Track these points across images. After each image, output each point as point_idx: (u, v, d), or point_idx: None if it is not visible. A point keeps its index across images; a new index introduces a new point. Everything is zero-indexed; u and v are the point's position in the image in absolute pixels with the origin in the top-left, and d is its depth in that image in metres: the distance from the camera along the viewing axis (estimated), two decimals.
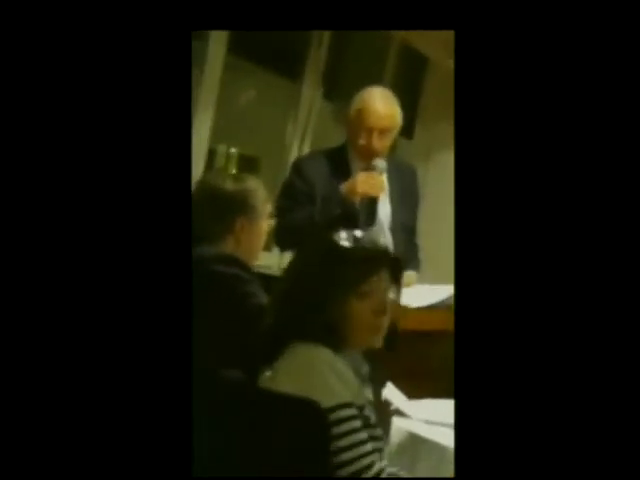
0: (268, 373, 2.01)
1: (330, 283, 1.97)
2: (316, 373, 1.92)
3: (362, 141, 3.20)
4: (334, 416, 1.89)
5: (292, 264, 2.11)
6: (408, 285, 3.14)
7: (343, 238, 2.03)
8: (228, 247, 2.41)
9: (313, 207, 3.15)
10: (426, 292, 3.12)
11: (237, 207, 2.44)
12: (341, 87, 4.84)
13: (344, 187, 3.14)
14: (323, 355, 1.94)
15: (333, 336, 1.98)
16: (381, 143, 3.21)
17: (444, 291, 3.07)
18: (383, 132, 3.20)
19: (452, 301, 3.05)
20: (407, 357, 2.96)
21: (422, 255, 3.55)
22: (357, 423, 1.92)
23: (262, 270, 2.62)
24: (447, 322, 3.16)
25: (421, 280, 3.39)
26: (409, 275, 3.24)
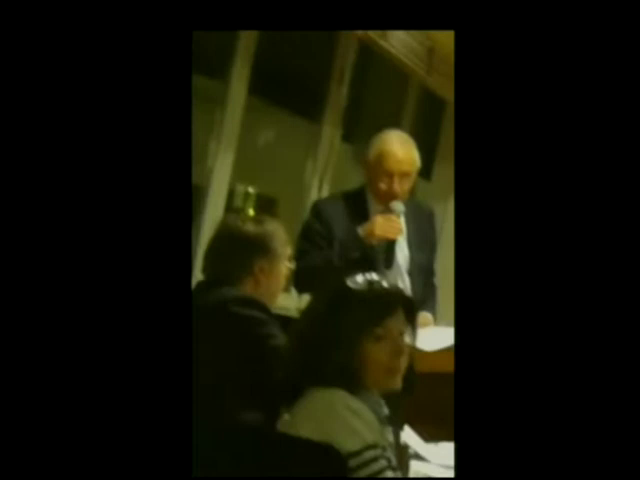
0: (287, 417, 2.01)
1: (345, 326, 1.97)
2: (336, 416, 1.91)
3: (382, 185, 3.21)
4: (361, 459, 1.88)
5: (308, 307, 2.12)
6: (424, 326, 3.15)
7: (359, 282, 2.03)
8: (247, 289, 2.41)
9: (331, 250, 3.15)
10: (442, 333, 3.11)
11: (256, 249, 2.44)
12: (360, 129, 4.87)
13: (362, 230, 3.15)
14: (341, 398, 1.94)
15: (350, 379, 1.98)
16: (401, 187, 3.22)
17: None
18: (403, 176, 3.21)
19: None
20: (424, 400, 2.94)
21: (440, 296, 3.55)
22: (384, 463, 1.91)
23: (280, 312, 2.63)
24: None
25: (439, 321, 3.39)
26: (425, 316, 3.24)
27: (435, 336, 3.04)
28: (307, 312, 2.09)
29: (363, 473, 1.88)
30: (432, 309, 3.37)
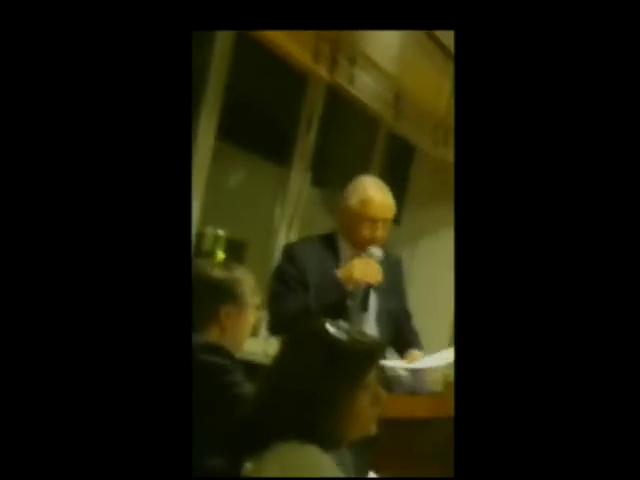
0: (250, 466, 1.98)
1: (331, 378, 1.94)
2: (305, 473, 1.89)
3: (365, 231, 3.23)
4: None
5: (282, 355, 2.07)
6: (416, 359, 3.19)
7: (337, 330, 2.01)
8: (213, 335, 2.41)
9: (307, 294, 3.16)
10: (437, 357, 3.21)
11: (223, 295, 2.44)
12: (329, 174, 4.89)
13: (340, 273, 3.16)
14: (310, 455, 1.90)
15: (326, 434, 1.95)
16: (382, 233, 3.25)
17: (441, 356, 3.14)
18: (385, 222, 3.25)
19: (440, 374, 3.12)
20: (389, 444, 2.94)
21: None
22: None
23: (246, 357, 2.62)
24: (430, 409, 3.18)
25: None
26: (416, 354, 3.28)
27: (432, 359, 3.09)
28: (281, 360, 2.05)
29: None
30: (419, 347, 3.40)
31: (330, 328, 1.99)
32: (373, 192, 3.26)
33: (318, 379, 1.93)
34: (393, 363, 3.17)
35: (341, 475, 1.93)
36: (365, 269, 3.16)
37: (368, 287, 3.20)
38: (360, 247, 3.24)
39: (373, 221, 3.23)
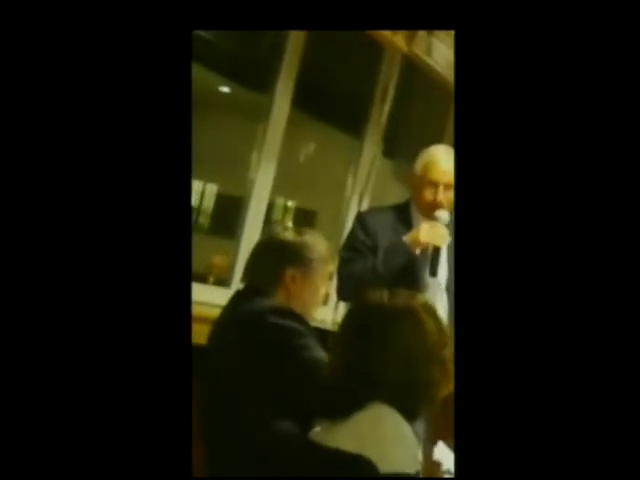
0: (319, 428, 2.00)
1: (423, 340, 1.98)
2: (386, 439, 1.90)
3: (428, 195, 3.24)
4: None
5: (348, 322, 2.09)
6: None
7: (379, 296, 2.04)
8: (279, 299, 2.40)
9: (374, 259, 3.17)
10: None
11: (288, 258, 2.43)
12: (401, 146, 4.87)
13: (407, 237, 3.17)
14: (399, 423, 1.92)
15: (409, 398, 1.97)
16: (446, 197, 3.24)
17: None
18: (447, 187, 3.24)
19: None
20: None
21: None
22: None
23: (316, 324, 2.63)
24: None
25: None
26: None
27: None
28: (348, 327, 2.07)
29: None
30: None
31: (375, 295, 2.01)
32: (436, 157, 3.25)
33: (382, 344, 1.96)
34: None
35: (415, 442, 1.94)
36: (431, 232, 3.15)
37: (436, 252, 3.19)
38: (428, 213, 3.24)
39: (435, 185, 3.22)
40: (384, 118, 4.55)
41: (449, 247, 3.29)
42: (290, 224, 4.32)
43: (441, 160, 3.25)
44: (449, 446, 2.67)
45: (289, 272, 2.42)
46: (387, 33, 3.56)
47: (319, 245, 2.49)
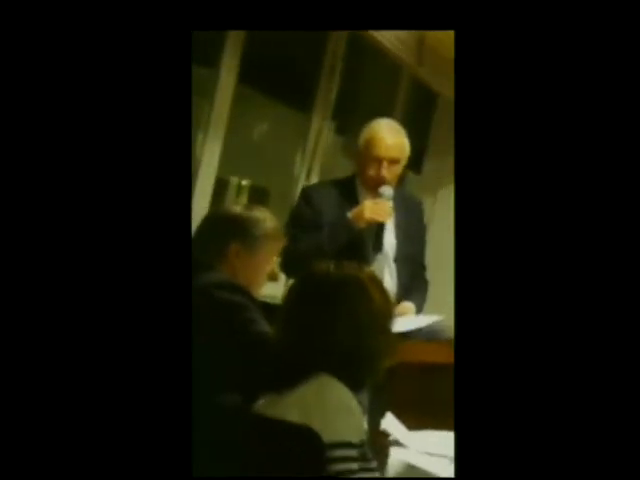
0: (263, 401, 2.01)
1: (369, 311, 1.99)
2: (330, 409, 1.91)
3: (371, 171, 3.24)
4: (333, 453, 1.87)
5: (292, 296, 2.09)
6: (403, 314, 3.18)
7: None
8: (224, 274, 2.39)
9: (320, 234, 3.17)
10: (416, 320, 3.16)
11: (232, 232, 2.42)
12: (351, 121, 4.87)
13: (351, 214, 3.18)
14: (343, 393, 1.93)
15: (358, 371, 1.98)
16: (389, 173, 3.25)
17: (424, 319, 3.12)
18: (391, 162, 3.25)
19: (437, 332, 3.10)
20: (408, 389, 2.96)
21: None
22: (354, 465, 1.89)
23: (265, 300, 2.62)
24: (449, 355, 3.19)
25: (425, 313, 3.40)
26: (405, 305, 3.27)
27: (407, 321, 3.08)
28: (292, 301, 2.07)
29: (332, 469, 1.87)
30: (419, 302, 3.39)
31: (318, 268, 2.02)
32: (379, 132, 3.26)
33: (327, 315, 1.97)
34: None
35: (360, 412, 1.95)
36: (375, 208, 3.17)
37: (381, 227, 3.20)
38: (372, 188, 3.24)
39: (378, 160, 3.23)
40: (332, 94, 4.55)
41: (395, 220, 3.31)
42: (244, 202, 4.31)
43: (384, 135, 3.25)
44: (398, 418, 2.69)
45: (234, 247, 2.42)
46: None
47: (266, 221, 2.48)
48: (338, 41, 4.46)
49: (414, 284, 3.40)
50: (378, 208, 3.18)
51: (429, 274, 3.58)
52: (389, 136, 3.25)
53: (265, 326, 2.27)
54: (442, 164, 5.28)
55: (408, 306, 3.27)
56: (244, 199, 4.62)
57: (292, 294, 2.09)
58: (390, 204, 3.23)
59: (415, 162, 5.07)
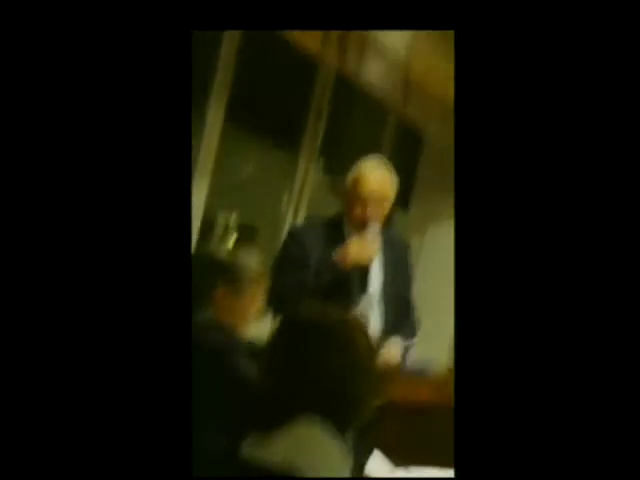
0: (249, 441, 2.01)
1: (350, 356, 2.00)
2: (315, 450, 1.90)
3: (357, 210, 3.24)
4: None
5: (278, 336, 2.10)
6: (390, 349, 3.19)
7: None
8: (208, 315, 2.41)
9: (306, 274, 3.18)
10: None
11: (218, 277, 2.45)
12: (338, 160, 4.91)
13: (336, 254, 3.18)
14: (327, 435, 1.93)
15: (342, 413, 1.98)
16: (375, 212, 3.24)
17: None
18: (377, 202, 3.24)
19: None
20: (395, 428, 2.97)
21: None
22: None
23: (251, 339, 2.63)
24: (436, 394, 3.19)
25: (414, 352, 3.41)
26: (393, 342, 3.28)
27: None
28: (277, 342, 2.08)
29: None
30: (408, 338, 3.39)
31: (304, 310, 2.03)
32: (366, 171, 3.26)
33: (312, 358, 1.97)
34: None
35: (344, 456, 1.95)
36: (360, 248, 3.17)
37: (366, 267, 3.21)
38: (358, 227, 3.25)
39: (363, 199, 3.23)
40: (319, 133, 4.59)
41: (382, 260, 3.32)
42: (233, 240, 4.32)
43: (370, 175, 3.25)
44: (383, 455, 2.69)
45: (220, 290, 2.44)
46: (318, 49, 3.59)
47: (252, 262, 2.51)
48: (325, 81, 4.51)
49: (402, 323, 3.41)
50: (363, 249, 3.18)
51: (417, 312, 3.59)
52: (375, 175, 3.26)
53: (249, 368, 2.28)
54: (428, 202, 5.32)
55: (393, 342, 3.27)
56: (232, 237, 4.63)
57: (277, 337, 2.10)
58: (375, 244, 3.23)
59: (402, 199, 5.10)
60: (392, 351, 3.23)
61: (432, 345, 3.49)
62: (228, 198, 4.49)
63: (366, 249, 3.18)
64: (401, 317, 3.41)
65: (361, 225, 3.25)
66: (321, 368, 1.98)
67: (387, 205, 3.31)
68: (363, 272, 3.22)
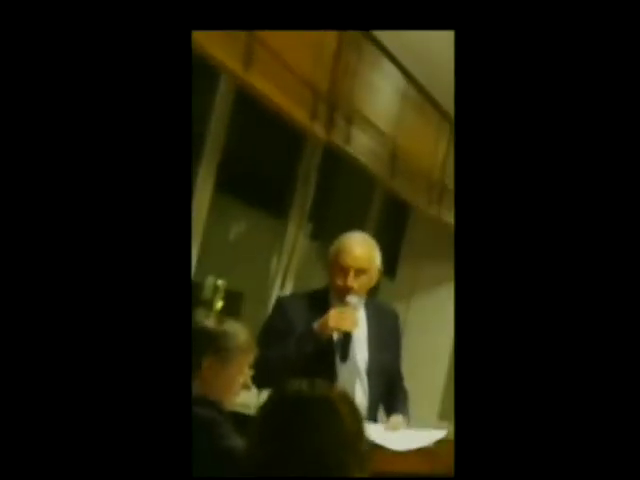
0: None
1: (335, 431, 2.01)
2: None
3: (339, 280, 3.28)
4: None
5: (264, 411, 2.12)
6: (396, 429, 3.19)
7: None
8: (195, 387, 2.41)
9: (288, 345, 3.19)
10: (414, 436, 3.13)
11: (206, 347, 2.46)
12: (326, 228, 4.95)
13: (317, 324, 3.21)
14: None
15: None
16: (357, 283, 3.27)
17: (428, 436, 3.10)
18: (359, 272, 3.28)
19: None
20: None
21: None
22: None
23: (238, 409, 2.64)
24: (424, 464, 3.18)
25: (411, 425, 3.40)
26: (396, 419, 3.28)
27: (407, 438, 3.08)
28: (264, 416, 2.09)
29: None
30: (404, 412, 3.40)
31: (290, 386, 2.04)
32: (348, 243, 3.31)
33: (298, 433, 1.99)
34: (376, 435, 3.11)
35: None
36: (339, 317, 3.19)
37: (347, 336, 3.23)
38: (341, 298, 3.29)
39: (344, 270, 3.27)
40: (307, 202, 4.64)
41: (367, 330, 3.34)
42: (220, 304, 4.33)
43: (352, 246, 3.30)
44: None
45: (207, 360, 2.45)
46: (306, 120, 3.65)
47: (238, 334, 2.52)
48: (313, 151, 4.57)
49: (394, 395, 3.42)
50: (343, 317, 3.20)
51: (407, 382, 3.59)
52: (357, 247, 3.31)
53: (236, 440, 2.29)
54: (415, 272, 5.36)
55: (398, 420, 3.28)
56: (219, 300, 4.63)
57: (263, 412, 2.11)
58: (356, 313, 3.26)
59: (389, 268, 5.14)
60: (397, 428, 3.22)
61: (420, 416, 3.48)
62: (217, 264, 4.51)
63: (346, 317, 3.20)
64: (390, 387, 3.41)
65: (344, 295, 3.28)
66: (307, 442, 1.99)
67: (369, 277, 3.34)
68: (344, 341, 3.23)
